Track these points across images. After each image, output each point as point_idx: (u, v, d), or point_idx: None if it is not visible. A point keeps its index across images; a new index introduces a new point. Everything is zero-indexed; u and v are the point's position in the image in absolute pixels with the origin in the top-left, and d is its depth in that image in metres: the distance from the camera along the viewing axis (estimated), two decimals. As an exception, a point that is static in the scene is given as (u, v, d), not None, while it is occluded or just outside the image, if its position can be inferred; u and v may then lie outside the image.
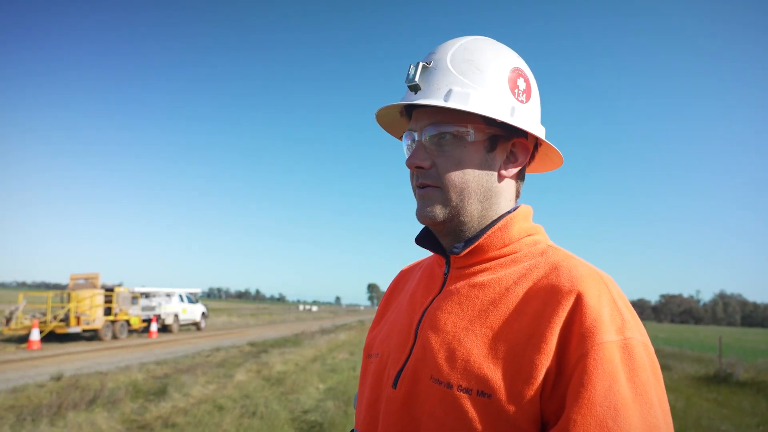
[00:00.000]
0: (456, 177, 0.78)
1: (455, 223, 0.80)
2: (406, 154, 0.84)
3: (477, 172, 0.78)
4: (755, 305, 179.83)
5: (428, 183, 0.79)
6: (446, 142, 0.78)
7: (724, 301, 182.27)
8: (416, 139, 0.80)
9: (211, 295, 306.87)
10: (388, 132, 0.94)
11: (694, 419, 7.16)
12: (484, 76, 0.78)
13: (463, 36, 0.83)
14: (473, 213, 0.79)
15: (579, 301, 0.68)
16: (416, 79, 0.78)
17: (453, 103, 0.75)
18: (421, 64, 0.79)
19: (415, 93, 0.79)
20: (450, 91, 0.76)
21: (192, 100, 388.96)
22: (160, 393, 7.47)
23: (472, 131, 0.78)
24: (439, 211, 0.79)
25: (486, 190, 0.79)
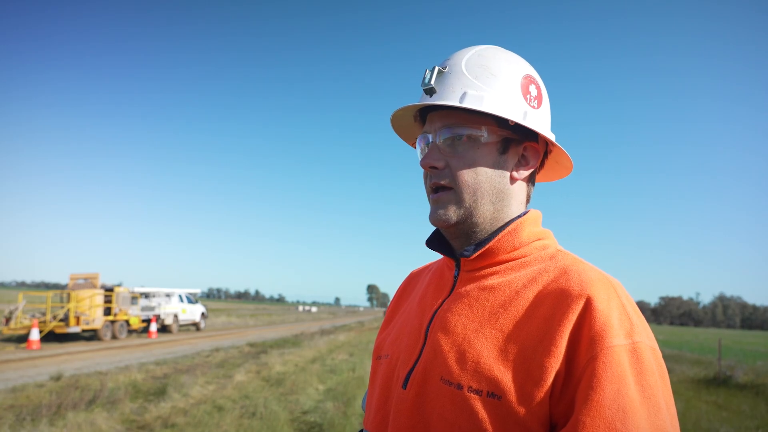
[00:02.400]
0: (469, 177, 0.79)
1: (468, 225, 0.81)
2: (419, 157, 0.85)
3: (490, 172, 0.80)
4: (755, 308, 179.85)
5: (441, 183, 0.81)
6: (460, 143, 0.80)
7: (723, 303, 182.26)
8: (430, 141, 0.83)
9: (211, 296, 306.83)
10: (400, 137, 0.95)
11: (694, 422, 7.17)
12: (497, 81, 0.80)
13: (475, 45, 0.86)
14: (486, 214, 0.81)
15: (588, 305, 0.69)
16: (432, 82, 0.81)
17: (468, 104, 0.77)
18: (436, 69, 0.82)
19: (431, 96, 0.81)
20: (465, 93, 0.79)
21: (192, 99, 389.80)
22: (160, 393, 7.48)
23: (485, 133, 0.80)
24: (453, 213, 0.80)
25: (498, 192, 0.81)
